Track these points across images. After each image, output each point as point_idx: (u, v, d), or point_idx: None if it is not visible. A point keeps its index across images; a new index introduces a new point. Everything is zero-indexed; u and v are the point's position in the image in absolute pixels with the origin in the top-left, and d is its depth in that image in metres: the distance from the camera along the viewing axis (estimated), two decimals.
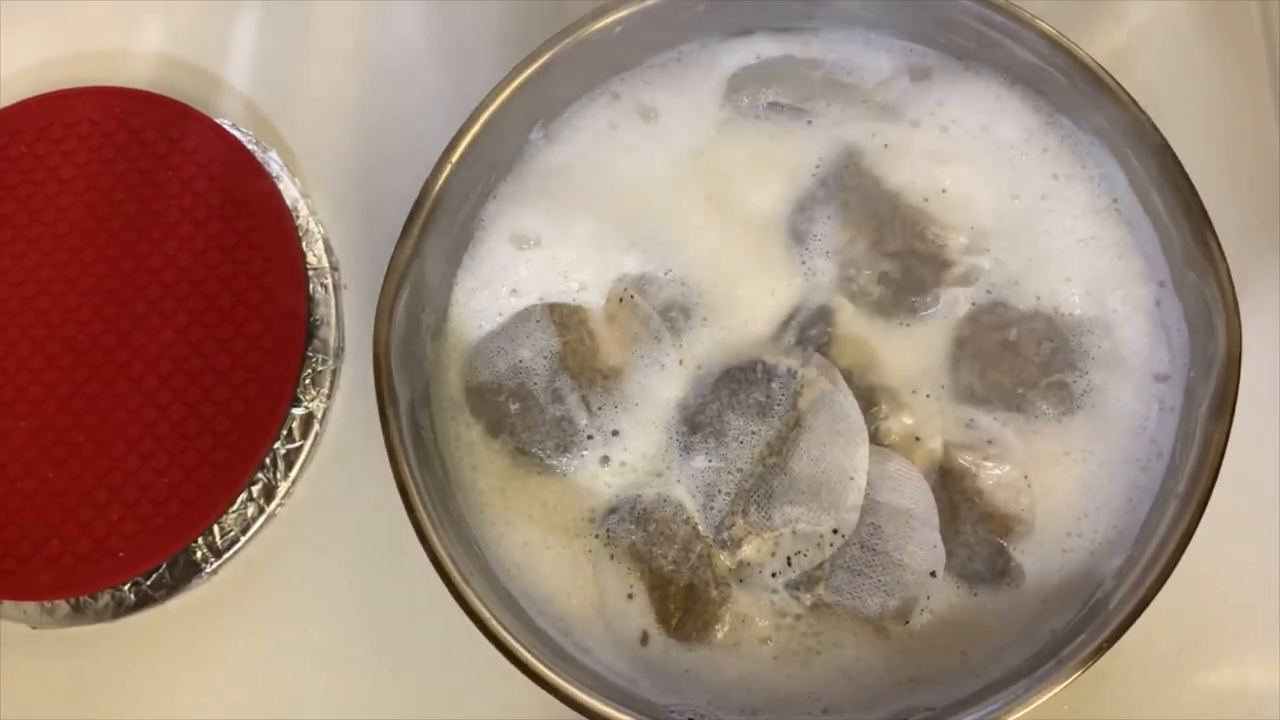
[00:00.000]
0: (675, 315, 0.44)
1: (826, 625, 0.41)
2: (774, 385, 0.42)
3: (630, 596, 0.42)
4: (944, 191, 0.44)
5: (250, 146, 0.53)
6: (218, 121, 0.53)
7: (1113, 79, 0.41)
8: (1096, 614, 0.38)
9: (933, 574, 0.40)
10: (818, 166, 0.45)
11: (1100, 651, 0.36)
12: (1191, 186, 0.40)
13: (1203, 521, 0.38)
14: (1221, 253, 0.39)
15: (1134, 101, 0.40)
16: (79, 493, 0.48)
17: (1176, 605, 0.38)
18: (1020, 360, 0.42)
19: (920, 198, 0.44)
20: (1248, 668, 0.44)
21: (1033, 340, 0.43)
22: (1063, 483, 0.41)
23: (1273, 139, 0.49)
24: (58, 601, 0.48)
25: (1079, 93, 0.42)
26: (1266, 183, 0.49)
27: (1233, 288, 0.38)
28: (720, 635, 0.41)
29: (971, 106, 0.45)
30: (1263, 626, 0.44)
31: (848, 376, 0.42)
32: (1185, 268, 0.41)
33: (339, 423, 0.51)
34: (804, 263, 0.44)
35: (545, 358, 0.44)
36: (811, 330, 0.43)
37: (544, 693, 0.38)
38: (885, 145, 0.45)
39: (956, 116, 0.45)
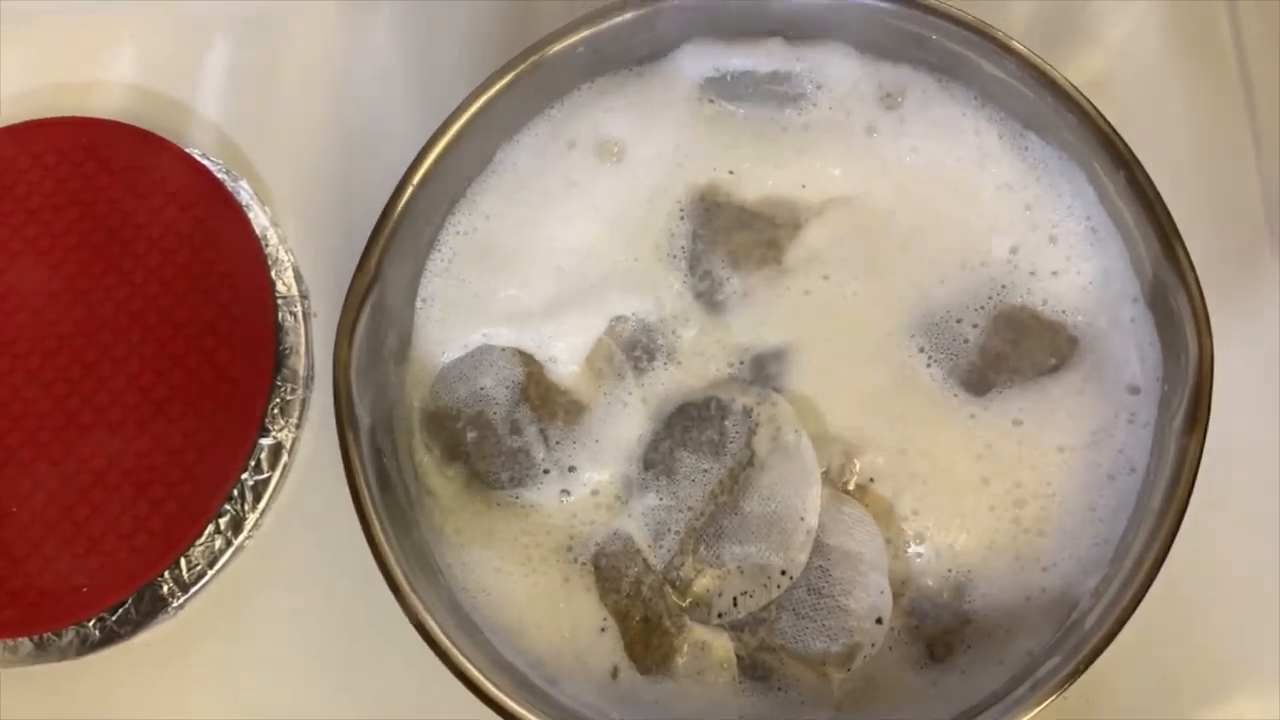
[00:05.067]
0: (639, 355, 0.43)
1: (779, 658, 0.40)
2: (727, 423, 0.42)
3: (602, 630, 0.41)
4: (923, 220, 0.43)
5: (220, 175, 0.53)
6: (187, 151, 0.53)
7: (1079, 92, 0.41)
8: (1073, 634, 0.37)
9: (879, 620, 0.39)
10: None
11: (1077, 673, 0.35)
12: (1159, 197, 0.39)
13: (1183, 540, 0.37)
14: (1190, 264, 0.38)
15: (1100, 114, 0.40)
16: (43, 527, 0.48)
17: (1156, 626, 0.38)
18: None
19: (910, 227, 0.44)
20: (1237, 689, 0.44)
21: None
22: (1038, 501, 0.41)
23: (1247, 156, 0.49)
24: (20, 639, 0.47)
25: (1047, 108, 0.42)
26: (1241, 200, 0.49)
27: (1203, 299, 0.38)
28: (681, 665, 0.40)
29: (945, 126, 0.44)
30: (1248, 648, 0.44)
31: (803, 416, 0.42)
32: (1156, 280, 0.40)
33: (308, 453, 0.50)
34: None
35: (507, 387, 0.43)
36: (768, 368, 0.43)
37: None
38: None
39: (927, 138, 0.44)
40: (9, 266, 0.51)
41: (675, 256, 0.44)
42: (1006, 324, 0.42)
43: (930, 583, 0.40)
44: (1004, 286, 0.43)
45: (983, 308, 0.43)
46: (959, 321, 0.43)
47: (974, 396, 0.42)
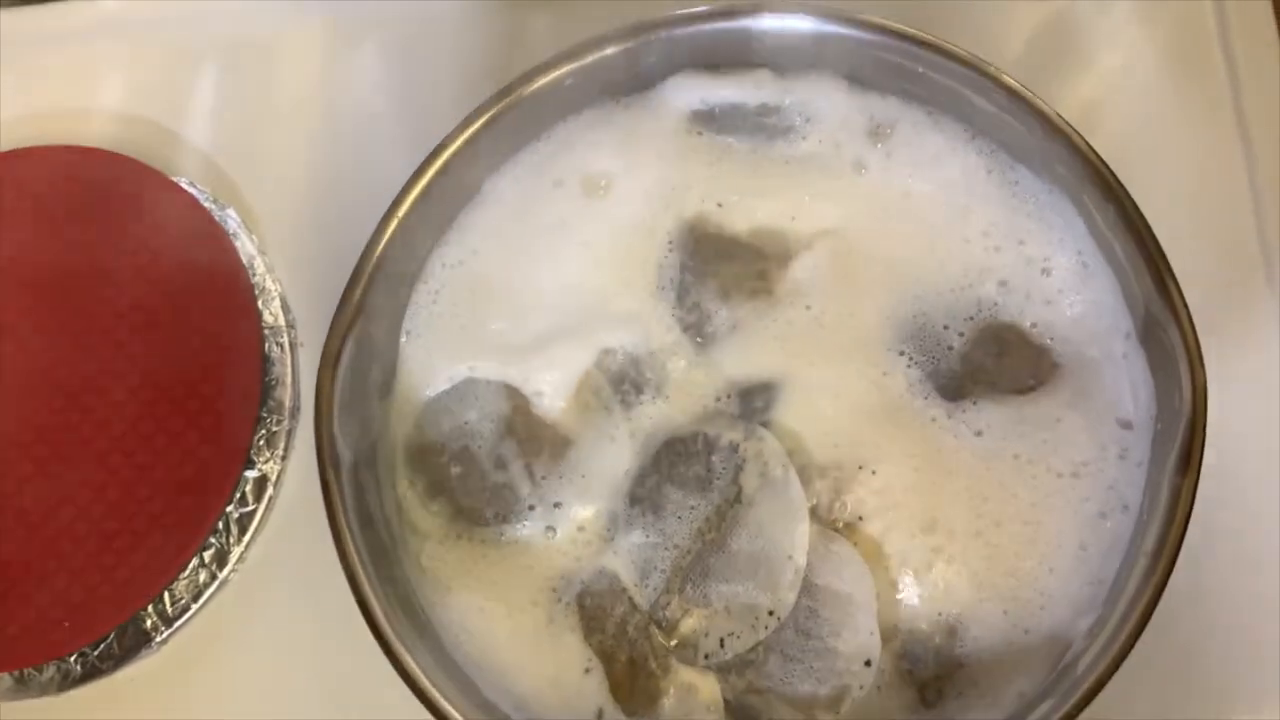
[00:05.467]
0: (627, 389, 0.43)
1: (766, 700, 0.40)
2: (714, 459, 0.41)
3: (588, 671, 0.40)
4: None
5: (207, 204, 0.52)
6: (175, 179, 0.52)
7: (1069, 125, 0.40)
8: (1066, 677, 0.37)
9: (867, 663, 0.39)
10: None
11: (1071, 718, 0.35)
12: (1150, 230, 0.39)
13: (1179, 577, 0.37)
14: (1182, 298, 0.38)
15: (1090, 147, 0.40)
16: (24, 560, 0.47)
17: (1151, 666, 0.37)
18: None
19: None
20: None
21: None
22: (1028, 538, 0.40)
23: (1240, 186, 0.49)
24: (0, 675, 0.47)
25: (1037, 141, 0.41)
26: (1235, 232, 0.48)
27: (1195, 334, 0.38)
28: (668, 707, 0.39)
29: (934, 159, 0.44)
30: (1245, 688, 0.43)
31: (791, 452, 0.41)
32: (1148, 315, 0.40)
33: (294, 485, 0.49)
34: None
35: (492, 421, 0.43)
36: (755, 402, 0.42)
37: None
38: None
39: (916, 171, 0.44)
40: None
41: (664, 288, 0.44)
42: (992, 338, 0.42)
43: (922, 625, 0.40)
44: (995, 304, 0.42)
45: (971, 318, 0.42)
46: (945, 328, 0.42)
47: (950, 403, 0.42)
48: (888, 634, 0.39)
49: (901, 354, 0.42)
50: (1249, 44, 0.50)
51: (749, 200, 0.44)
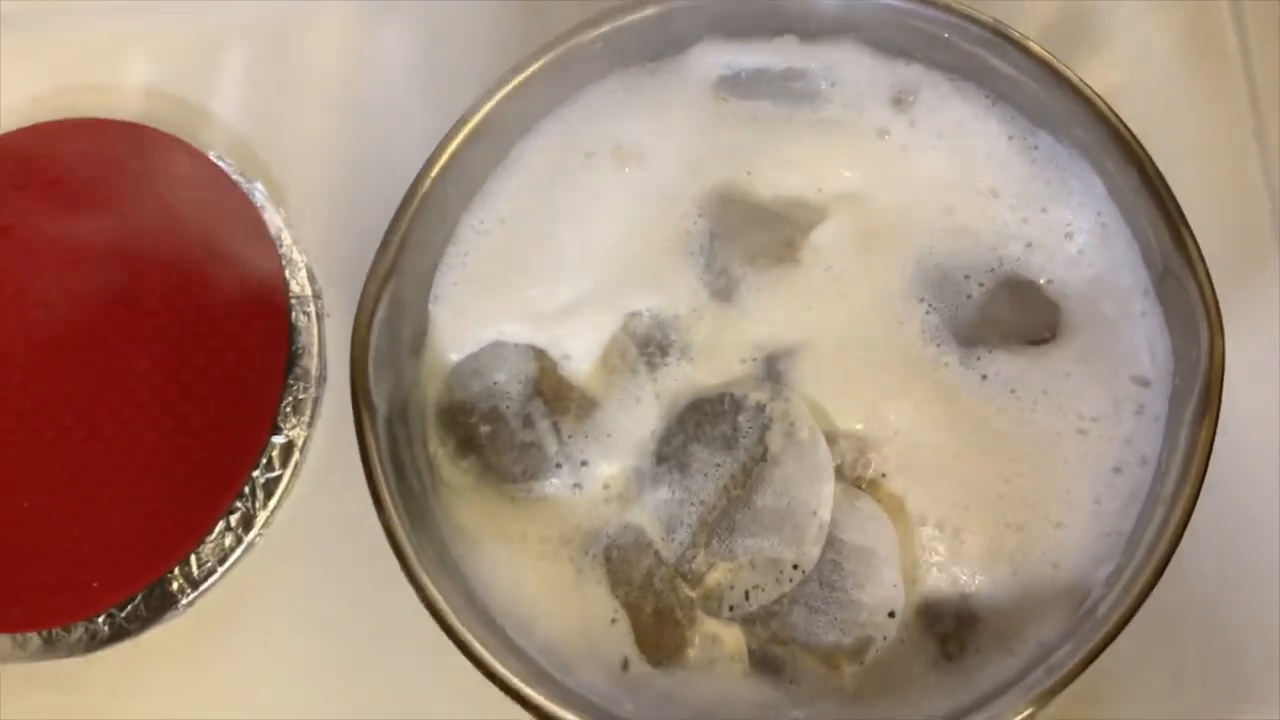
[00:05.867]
0: (653, 350, 0.43)
1: (790, 650, 0.40)
2: (741, 418, 0.42)
3: (614, 621, 0.41)
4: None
5: (235, 177, 0.53)
6: (203, 152, 0.53)
7: (1091, 89, 0.41)
8: (1085, 623, 0.37)
9: (891, 614, 0.40)
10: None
11: (1091, 658, 0.35)
12: (1170, 191, 0.40)
13: (1194, 530, 0.37)
14: (1200, 254, 0.39)
15: (1110, 109, 0.41)
16: (52, 523, 0.48)
17: (1168, 616, 0.38)
18: None
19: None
20: (1251, 679, 0.44)
21: None
22: (1044, 492, 0.41)
23: (1252, 157, 0.50)
24: (29, 634, 0.47)
25: (1059, 105, 0.42)
26: (1248, 200, 0.50)
27: (1213, 289, 0.38)
28: (692, 657, 0.40)
29: (957, 125, 0.45)
30: (1263, 637, 0.44)
31: (815, 412, 0.42)
32: (1165, 273, 0.41)
33: (320, 451, 0.50)
34: None
35: (520, 382, 0.43)
36: (780, 364, 0.43)
37: (528, 715, 0.37)
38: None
39: (939, 137, 0.45)
40: (24, 264, 0.52)
41: (692, 253, 0.44)
42: (1010, 291, 0.43)
43: (942, 579, 0.40)
44: (1018, 259, 0.43)
45: (992, 270, 0.43)
46: (966, 278, 0.43)
47: (965, 349, 0.42)
48: (908, 587, 0.40)
49: (921, 300, 0.43)
50: (1262, 23, 0.51)
51: (776, 168, 0.45)
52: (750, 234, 0.44)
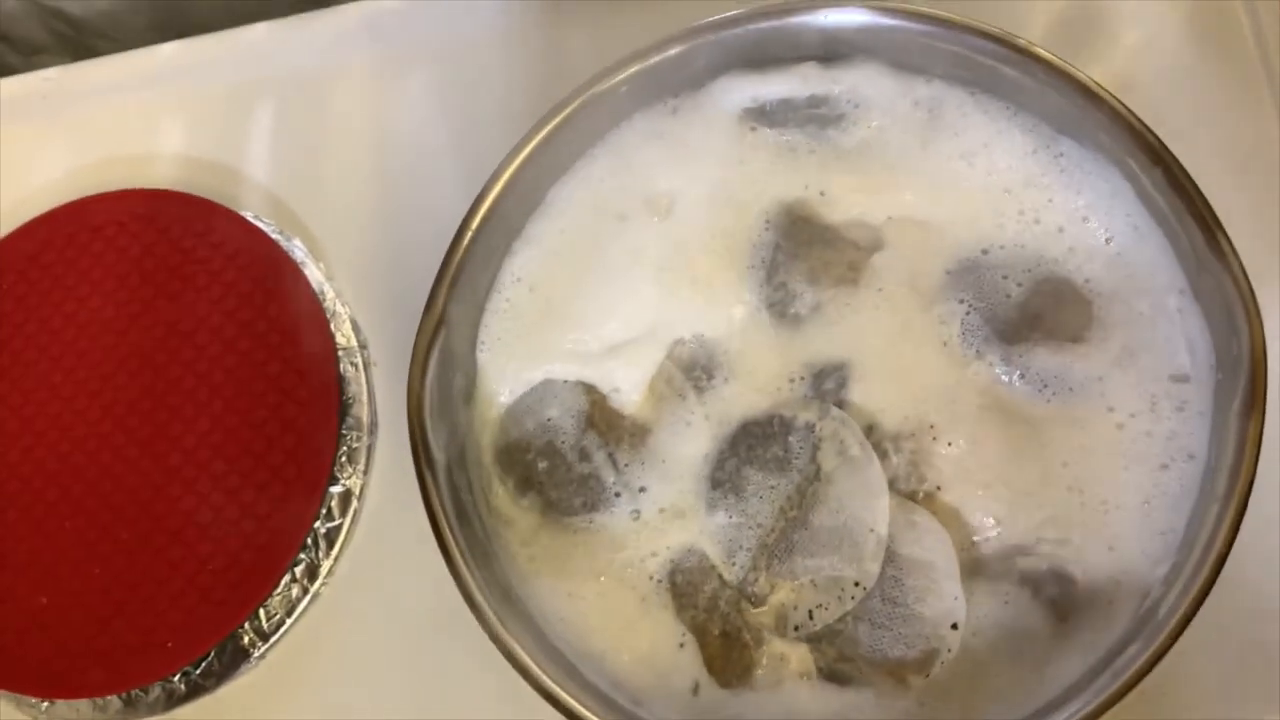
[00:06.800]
0: (699, 374, 0.44)
1: (857, 667, 0.41)
2: (791, 439, 0.43)
3: (681, 646, 0.42)
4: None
5: (274, 236, 0.54)
6: (241, 214, 0.55)
7: (1108, 92, 0.41)
8: (1147, 622, 0.38)
9: (954, 626, 0.40)
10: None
11: (1157, 658, 0.36)
12: (1196, 188, 0.40)
13: (1249, 523, 0.37)
14: (1233, 249, 0.39)
15: (1131, 112, 0.41)
16: (125, 587, 0.49)
17: (1230, 610, 0.38)
18: None
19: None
20: None
21: None
22: (1093, 494, 0.41)
23: (1273, 140, 0.50)
24: (109, 697, 0.49)
25: (1078, 111, 0.43)
26: (1271, 184, 0.50)
27: (1248, 282, 0.39)
28: (760, 677, 0.41)
29: (979, 138, 0.46)
30: None
31: (867, 428, 0.42)
32: (1200, 270, 0.41)
33: (376, 498, 0.51)
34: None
35: (573, 416, 0.44)
36: (827, 383, 0.43)
37: None
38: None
39: (963, 151, 0.46)
40: (77, 337, 0.53)
41: (753, 267, 0.45)
42: (1049, 290, 0.43)
43: (1004, 588, 0.41)
44: (1056, 259, 0.44)
45: (1029, 270, 0.44)
46: (1004, 278, 0.44)
47: (1006, 346, 0.43)
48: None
49: (961, 302, 0.43)
50: (1272, 2, 0.51)
51: (831, 190, 0.46)
52: (817, 251, 0.45)
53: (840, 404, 0.43)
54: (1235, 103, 0.51)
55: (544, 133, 0.43)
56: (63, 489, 0.51)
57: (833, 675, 0.41)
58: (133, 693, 0.49)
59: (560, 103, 0.44)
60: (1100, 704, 0.36)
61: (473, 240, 0.43)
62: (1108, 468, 0.41)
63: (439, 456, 0.41)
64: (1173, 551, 0.39)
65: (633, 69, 0.44)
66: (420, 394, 0.41)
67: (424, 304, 0.43)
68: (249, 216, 0.55)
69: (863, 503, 0.41)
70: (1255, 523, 0.38)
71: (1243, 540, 0.37)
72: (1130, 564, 0.40)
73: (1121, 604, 0.40)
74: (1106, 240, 0.44)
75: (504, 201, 0.44)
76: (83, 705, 0.49)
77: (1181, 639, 0.37)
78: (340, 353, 0.52)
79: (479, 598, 0.39)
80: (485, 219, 0.43)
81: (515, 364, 0.45)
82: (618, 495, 0.43)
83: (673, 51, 0.44)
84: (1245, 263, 0.39)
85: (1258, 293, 0.39)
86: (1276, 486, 0.39)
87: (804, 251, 0.45)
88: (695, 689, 0.41)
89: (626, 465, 0.43)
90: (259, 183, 0.56)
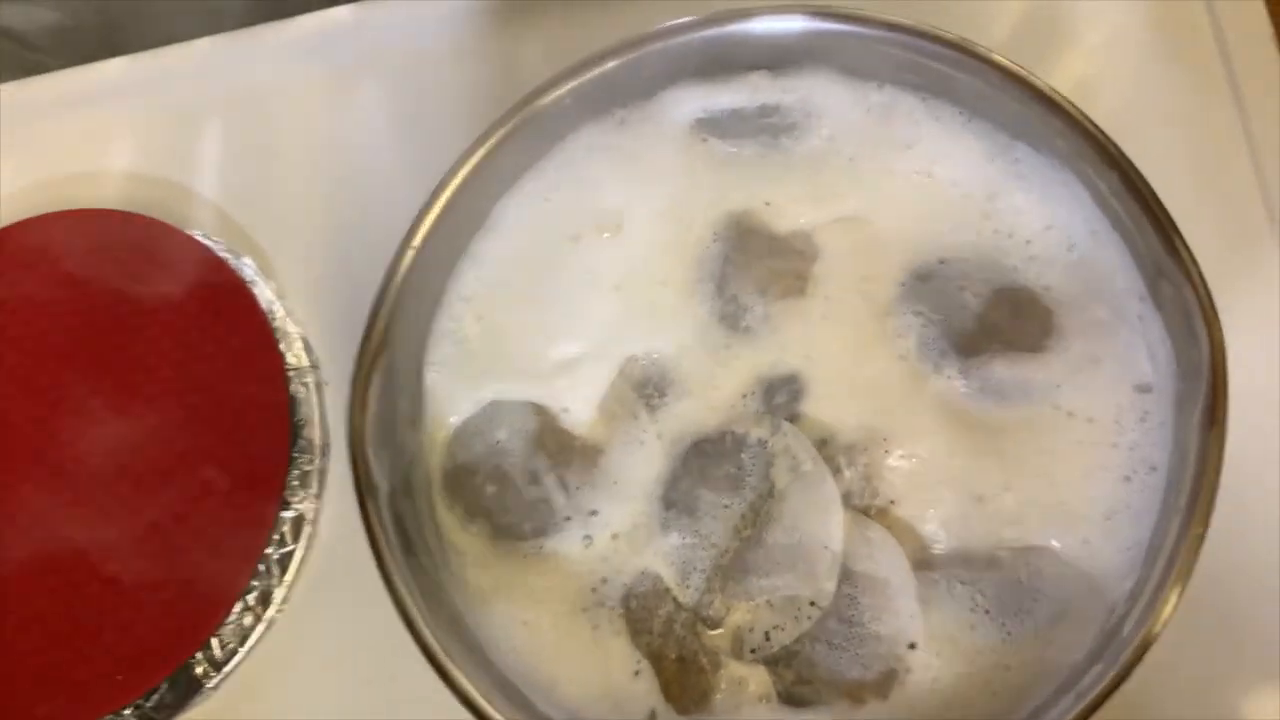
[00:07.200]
0: (651, 392, 0.43)
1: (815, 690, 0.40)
2: (744, 456, 0.42)
3: (637, 673, 0.41)
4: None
5: (223, 254, 0.53)
6: (190, 233, 0.53)
7: (1064, 98, 0.41)
8: (1112, 640, 0.37)
9: (912, 646, 0.39)
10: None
11: (1122, 678, 0.35)
12: (1154, 194, 0.39)
13: (1213, 536, 0.37)
14: (1192, 257, 0.38)
15: (1086, 117, 0.40)
16: (72, 620, 0.48)
17: (1195, 625, 0.37)
18: None
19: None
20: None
21: None
22: (1053, 505, 0.41)
23: (1238, 145, 0.49)
24: None
25: (1034, 117, 0.42)
26: (1237, 190, 0.49)
27: (1207, 290, 0.38)
28: (719, 702, 0.40)
29: (934, 144, 0.45)
30: None
31: (819, 442, 0.42)
32: (1159, 276, 0.40)
33: (331, 522, 0.50)
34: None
35: (522, 438, 0.43)
36: (778, 397, 0.42)
37: None
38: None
39: (919, 157, 0.45)
40: (21, 361, 0.52)
41: (702, 281, 0.44)
42: (1007, 300, 0.43)
43: (964, 605, 0.40)
44: (1015, 268, 0.43)
45: (986, 280, 0.43)
46: (960, 289, 0.43)
47: (964, 359, 0.42)
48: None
49: (918, 314, 0.42)
50: (1233, 3, 0.51)
51: (776, 200, 0.45)
52: (765, 262, 0.44)
53: (793, 418, 0.42)
54: (1197, 105, 0.50)
55: (484, 149, 0.42)
56: (7, 518, 0.49)
57: (791, 698, 0.40)
58: None
59: (501, 118, 0.43)
60: None
61: (415, 260, 0.42)
62: (1069, 480, 0.40)
63: (381, 484, 0.40)
64: (1137, 566, 0.39)
65: (576, 81, 0.43)
66: (361, 420, 0.40)
67: None
68: (198, 235, 0.53)
69: (817, 520, 0.40)
70: (1221, 535, 0.37)
71: (1211, 552, 0.37)
72: (1095, 579, 0.39)
73: (1086, 620, 0.39)
74: (1067, 248, 0.43)
75: (447, 220, 0.42)
76: None
77: (1148, 654, 0.36)
78: (291, 373, 0.51)
79: (422, 629, 0.38)
80: (427, 238, 0.42)
81: (464, 385, 0.44)
82: (568, 519, 0.42)
83: (616, 62, 0.43)
84: (1206, 269, 0.39)
85: (1218, 299, 0.38)
86: (1240, 498, 0.39)
87: (754, 263, 0.44)
88: (652, 717, 0.40)
89: (577, 488, 0.42)
90: (208, 200, 0.55)
